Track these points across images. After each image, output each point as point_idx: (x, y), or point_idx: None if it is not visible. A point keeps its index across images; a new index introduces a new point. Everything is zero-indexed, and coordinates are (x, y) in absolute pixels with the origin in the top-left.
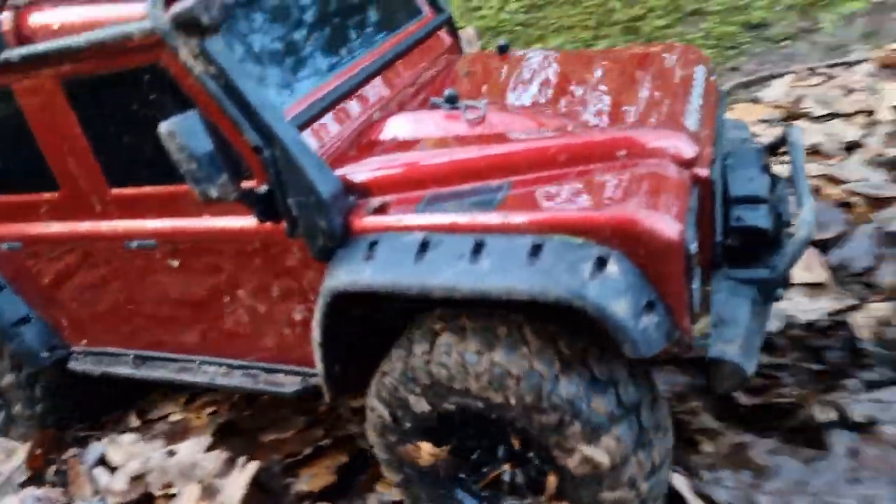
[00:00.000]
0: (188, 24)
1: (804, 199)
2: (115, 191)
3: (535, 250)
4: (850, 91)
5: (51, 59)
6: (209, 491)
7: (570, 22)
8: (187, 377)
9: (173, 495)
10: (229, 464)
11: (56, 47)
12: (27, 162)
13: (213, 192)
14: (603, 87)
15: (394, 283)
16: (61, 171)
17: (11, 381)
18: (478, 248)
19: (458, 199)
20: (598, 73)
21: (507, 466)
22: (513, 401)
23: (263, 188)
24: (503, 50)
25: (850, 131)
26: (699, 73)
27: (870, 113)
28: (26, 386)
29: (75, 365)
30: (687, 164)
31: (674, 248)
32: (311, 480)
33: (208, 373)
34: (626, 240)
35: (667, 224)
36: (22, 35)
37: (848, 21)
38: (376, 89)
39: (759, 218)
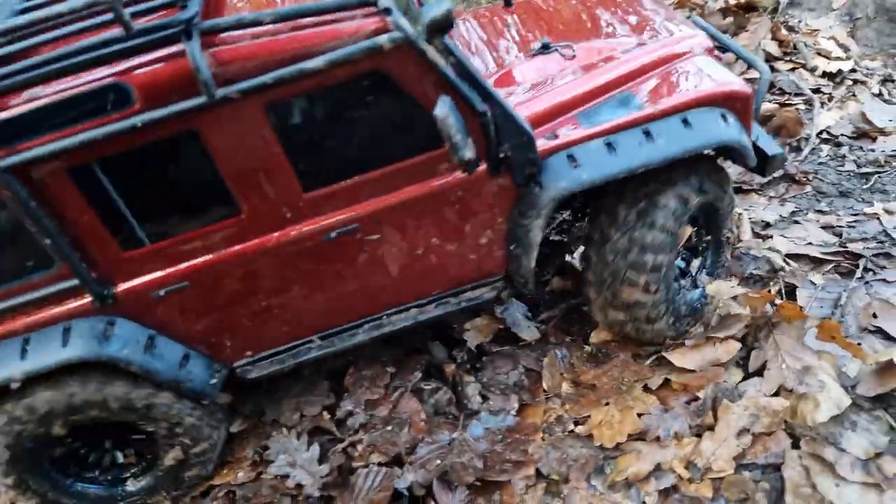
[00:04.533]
0: (439, 28)
1: (754, 61)
2: (309, 195)
3: (685, 122)
4: None
5: (266, 88)
6: None
7: None
8: (386, 329)
9: None
10: None
11: (280, 75)
12: (199, 199)
13: (469, 154)
14: (608, 12)
15: (606, 175)
16: (246, 194)
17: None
18: (647, 133)
19: (600, 111)
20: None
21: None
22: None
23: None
24: (508, 3)
25: None
26: None
27: None
28: (210, 415)
29: (249, 375)
30: (710, 51)
31: (751, 99)
32: None
33: (402, 319)
34: (729, 100)
35: (744, 86)
36: (227, 74)
37: None
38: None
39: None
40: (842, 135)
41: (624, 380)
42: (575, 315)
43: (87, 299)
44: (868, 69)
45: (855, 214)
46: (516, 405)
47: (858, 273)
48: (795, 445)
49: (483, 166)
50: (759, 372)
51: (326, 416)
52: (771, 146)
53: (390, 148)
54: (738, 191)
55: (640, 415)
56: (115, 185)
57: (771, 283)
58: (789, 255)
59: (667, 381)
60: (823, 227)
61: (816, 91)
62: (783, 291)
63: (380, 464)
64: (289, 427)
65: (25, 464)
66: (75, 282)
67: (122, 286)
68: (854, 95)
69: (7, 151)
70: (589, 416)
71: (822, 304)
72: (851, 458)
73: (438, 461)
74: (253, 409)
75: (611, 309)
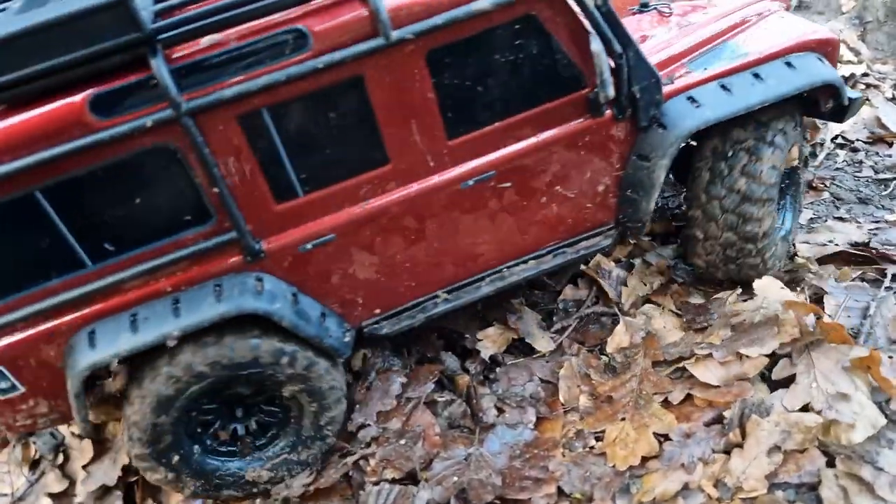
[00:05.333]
0: None
1: None
2: (452, 142)
3: (789, 65)
4: None
5: (435, 30)
6: None
7: None
8: (509, 280)
9: None
10: None
11: (451, 17)
12: (352, 148)
13: (611, 92)
14: None
15: (728, 112)
16: (397, 143)
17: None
18: (757, 76)
19: (705, 60)
20: None
21: None
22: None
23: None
24: None
25: None
26: None
27: None
28: (341, 376)
29: (380, 331)
30: (787, 7)
31: (838, 45)
32: None
33: (522, 270)
34: (821, 45)
35: (832, 34)
36: (397, 19)
37: None
38: None
39: None
40: (857, 140)
41: (642, 392)
42: (590, 324)
43: (236, 256)
44: (880, 73)
45: (876, 221)
46: (534, 418)
47: (887, 282)
48: (830, 464)
49: (608, 113)
50: (785, 383)
51: None
52: (850, 91)
53: (527, 94)
54: None
55: (657, 435)
56: (279, 134)
57: (797, 290)
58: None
59: (689, 395)
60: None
61: None
62: (808, 299)
63: (393, 480)
64: None
65: (170, 430)
66: (228, 237)
67: (272, 240)
68: (868, 100)
69: (190, 95)
70: (604, 432)
71: (850, 314)
72: (890, 478)
73: (455, 478)
74: None
75: (718, 246)
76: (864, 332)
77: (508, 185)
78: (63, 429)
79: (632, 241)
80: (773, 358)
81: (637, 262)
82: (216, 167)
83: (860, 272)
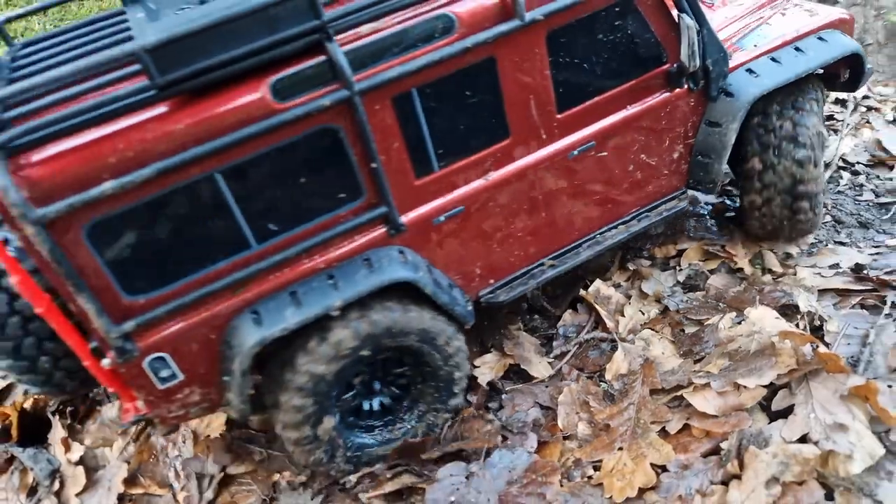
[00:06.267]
0: None
1: None
2: (562, 115)
3: (821, 39)
4: None
5: (555, 13)
6: None
7: None
8: (604, 245)
9: None
10: None
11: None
12: (481, 124)
13: (697, 63)
14: None
15: (781, 80)
16: (517, 118)
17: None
18: (798, 49)
19: (750, 40)
20: None
21: None
22: None
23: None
24: None
25: None
26: None
27: None
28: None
29: (497, 299)
30: None
31: (853, 22)
32: None
33: (614, 235)
34: (843, 24)
35: (848, 13)
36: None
37: None
38: None
39: None
40: (857, 162)
41: (640, 420)
42: (589, 350)
43: (380, 231)
44: (882, 95)
45: (877, 246)
46: (535, 444)
47: (886, 309)
48: (829, 497)
49: (685, 85)
50: (784, 413)
51: None
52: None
53: (621, 71)
54: None
55: (654, 465)
56: (423, 112)
57: (798, 318)
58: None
59: (686, 425)
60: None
61: (829, 118)
62: (808, 327)
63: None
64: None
65: (324, 409)
66: (377, 212)
67: (410, 214)
68: (868, 122)
69: (358, 77)
70: (602, 461)
71: (850, 342)
72: None
73: (452, 498)
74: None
75: (775, 207)
76: (864, 360)
77: (605, 153)
78: (60, 454)
79: (631, 268)
80: (772, 388)
81: (634, 291)
82: (373, 144)
83: (860, 299)
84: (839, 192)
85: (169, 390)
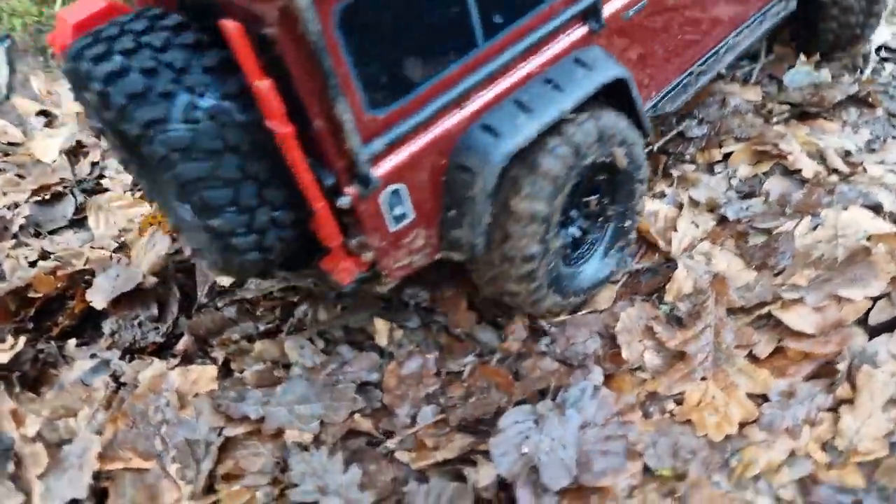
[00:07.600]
0: None
1: None
2: None
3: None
4: None
5: None
6: None
7: None
8: (741, 47)
9: None
10: None
11: None
12: None
13: None
14: None
15: None
16: None
17: None
18: None
19: None
20: None
21: None
22: None
23: None
24: None
25: None
26: None
27: None
28: None
29: (664, 109)
30: None
31: None
32: None
33: (745, 37)
34: None
35: None
36: None
37: None
38: None
39: None
40: None
41: (721, 345)
42: (640, 276)
43: (583, 30)
44: None
45: None
46: (601, 378)
47: None
48: None
49: None
50: (886, 328)
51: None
52: None
53: None
54: (806, 116)
55: (749, 395)
56: None
57: (882, 218)
58: None
59: (778, 347)
60: None
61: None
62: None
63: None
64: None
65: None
66: (584, 5)
67: (607, 6)
68: None
69: None
70: (683, 394)
71: None
72: None
73: (526, 449)
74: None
75: (852, 17)
76: None
77: None
78: (12, 430)
79: (675, 174)
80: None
81: (684, 198)
82: None
83: None
84: (884, 83)
85: (398, 233)
